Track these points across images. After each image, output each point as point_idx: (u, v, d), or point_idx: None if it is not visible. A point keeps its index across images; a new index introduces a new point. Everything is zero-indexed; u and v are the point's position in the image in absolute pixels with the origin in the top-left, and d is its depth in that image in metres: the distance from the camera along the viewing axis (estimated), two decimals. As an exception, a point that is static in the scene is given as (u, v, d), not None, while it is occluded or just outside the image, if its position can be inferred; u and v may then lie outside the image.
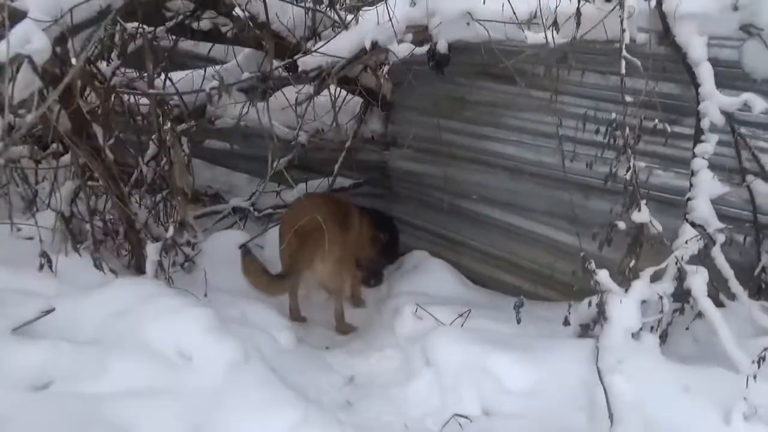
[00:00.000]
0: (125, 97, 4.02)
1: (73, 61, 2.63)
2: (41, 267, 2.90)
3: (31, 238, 3.26)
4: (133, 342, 2.34)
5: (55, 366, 2.13)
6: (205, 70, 3.56)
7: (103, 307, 2.54)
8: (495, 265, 4.38)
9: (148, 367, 2.25)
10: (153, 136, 3.63)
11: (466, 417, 2.23)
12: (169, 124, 2.85)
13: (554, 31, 2.72)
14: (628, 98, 2.84)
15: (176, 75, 4.10)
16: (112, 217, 3.58)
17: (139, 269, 3.47)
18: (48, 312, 2.39)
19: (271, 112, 4.29)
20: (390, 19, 3.10)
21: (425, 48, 3.54)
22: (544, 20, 2.83)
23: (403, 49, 3.40)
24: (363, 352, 3.28)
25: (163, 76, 3.50)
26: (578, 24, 2.78)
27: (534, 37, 2.88)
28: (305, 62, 3.14)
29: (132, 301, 2.56)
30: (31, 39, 2.18)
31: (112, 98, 3.35)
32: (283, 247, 3.58)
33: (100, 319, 2.47)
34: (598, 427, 2.08)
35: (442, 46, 3.52)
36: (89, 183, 3.50)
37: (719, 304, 2.94)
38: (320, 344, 3.47)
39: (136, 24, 3.42)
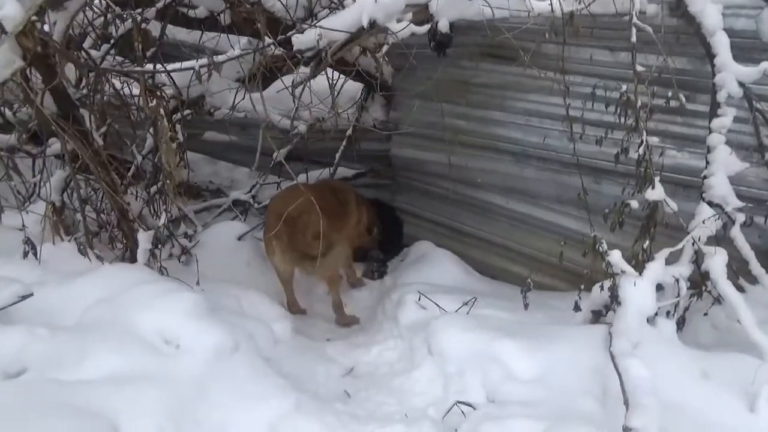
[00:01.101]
0: (121, 89, 3.96)
1: (54, 38, 2.52)
2: (25, 255, 2.80)
3: (22, 229, 3.16)
4: (117, 328, 2.22)
5: (30, 353, 2.02)
6: (197, 60, 3.44)
7: (88, 293, 2.42)
8: (502, 255, 4.23)
9: (131, 353, 2.13)
10: (149, 129, 3.54)
11: (469, 405, 2.09)
12: (157, 106, 2.72)
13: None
14: (640, 68, 2.68)
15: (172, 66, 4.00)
16: (105, 207, 3.48)
17: (134, 261, 3.36)
18: (25, 297, 2.27)
19: (268, 99, 4.22)
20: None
21: (426, 28, 3.40)
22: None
23: (402, 29, 3.26)
24: (365, 344, 3.16)
25: (155, 62, 3.37)
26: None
27: (539, 5, 2.73)
28: (300, 40, 3.01)
29: (118, 287, 2.45)
30: (2, 5, 2.07)
31: (102, 82, 3.23)
32: (269, 236, 3.47)
33: (84, 305, 2.35)
34: (611, 413, 1.93)
35: (443, 26, 3.38)
36: (82, 173, 3.41)
37: (739, 288, 2.78)
38: (321, 336, 3.34)
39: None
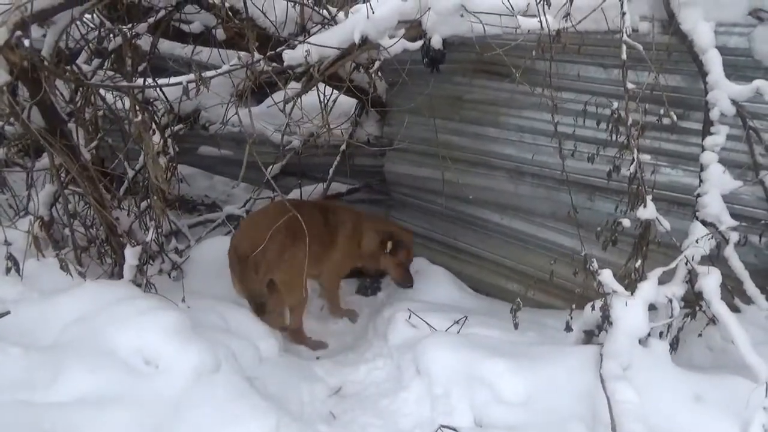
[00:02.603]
0: (113, 103, 3.95)
1: (44, 53, 2.51)
2: (8, 271, 2.76)
3: (8, 244, 3.13)
4: (94, 347, 2.17)
5: (1, 373, 1.97)
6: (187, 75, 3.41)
7: (67, 311, 2.38)
8: (497, 272, 4.19)
9: (106, 373, 2.08)
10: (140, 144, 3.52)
11: (453, 429, 2.03)
12: (142, 121, 2.70)
13: (546, 10, 2.55)
14: (630, 85, 2.66)
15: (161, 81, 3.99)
16: (94, 222, 3.45)
17: (122, 276, 3.33)
18: (2, 315, 2.23)
19: (262, 115, 4.21)
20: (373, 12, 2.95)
21: (419, 44, 3.39)
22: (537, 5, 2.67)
23: (395, 45, 3.25)
24: (353, 363, 3.11)
25: (145, 76, 3.37)
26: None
27: (527, 22, 2.72)
28: (291, 56, 3.00)
29: (98, 304, 2.40)
30: (-16, 20, 2.06)
31: (92, 97, 3.22)
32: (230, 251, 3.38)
33: (62, 323, 2.31)
34: (600, 440, 1.88)
35: (436, 42, 3.38)
36: (71, 188, 3.39)
37: (734, 309, 2.73)
38: (310, 355, 3.29)
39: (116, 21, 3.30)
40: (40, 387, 1.98)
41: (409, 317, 3.10)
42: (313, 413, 2.41)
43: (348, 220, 3.85)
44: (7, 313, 2.26)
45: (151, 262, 3.44)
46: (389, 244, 3.76)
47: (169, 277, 3.63)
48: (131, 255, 2.97)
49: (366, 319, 3.87)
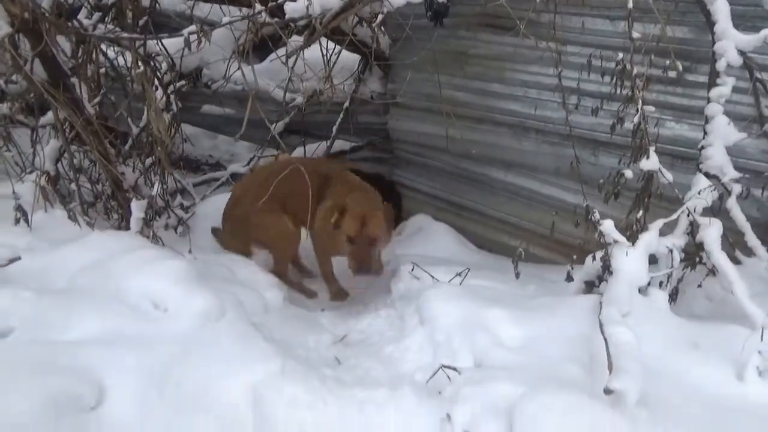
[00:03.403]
0: (115, 58, 3.93)
1: (44, 5, 2.49)
2: (17, 221, 2.81)
3: (17, 198, 3.17)
4: (104, 292, 2.23)
5: (17, 314, 2.03)
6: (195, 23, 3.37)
7: (76, 258, 2.43)
8: (500, 228, 4.22)
9: (116, 317, 2.13)
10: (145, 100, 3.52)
11: (454, 369, 2.09)
12: (144, 73, 2.69)
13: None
14: (636, 34, 2.63)
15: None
16: (100, 177, 3.48)
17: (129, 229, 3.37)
18: (13, 260, 2.29)
19: (264, 71, 4.18)
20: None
21: (422, -4, 3.35)
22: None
23: (398, -2, 3.21)
24: (358, 314, 3.16)
25: (146, 31, 3.34)
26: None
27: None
28: (293, 8, 2.96)
29: (107, 253, 2.45)
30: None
31: (94, 53, 3.21)
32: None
33: (72, 270, 2.36)
34: (596, 380, 1.92)
35: (439, -6, 3.33)
36: (76, 144, 3.41)
37: (735, 261, 2.75)
38: (315, 306, 3.34)
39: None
40: (56, 327, 2.05)
41: (413, 269, 3.14)
42: (318, 359, 2.47)
43: (319, 184, 3.25)
44: (18, 258, 2.31)
45: (157, 217, 3.48)
46: (334, 216, 3.04)
47: (175, 232, 3.67)
48: (137, 208, 3.01)
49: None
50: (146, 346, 2.01)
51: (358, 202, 3.12)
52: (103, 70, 3.84)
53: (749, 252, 2.82)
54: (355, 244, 3.02)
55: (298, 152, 4.47)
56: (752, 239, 2.74)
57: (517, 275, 2.77)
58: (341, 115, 4.38)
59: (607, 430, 1.65)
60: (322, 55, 3.60)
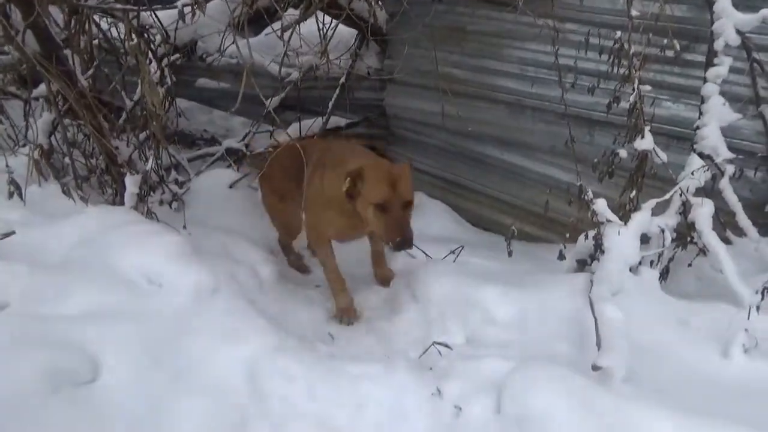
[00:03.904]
0: (108, 30, 3.88)
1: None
2: (10, 195, 2.80)
3: (11, 171, 3.16)
4: (99, 267, 2.24)
5: (11, 288, 2.04)
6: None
7: (71, 233, 2.44)
8: (494, 206, 4.22)
9: (111, 291, 2.15)
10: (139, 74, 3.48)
11: (446, 345, 2.12)
12: (138, 44, 2.66)
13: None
14: (635, 12, 2.61)
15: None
16: (94, 151, 3.46)
17: (124, 204, 3.37)
18: (7, 235, 2.29)
19: (259, 45, 4.13)
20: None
21: (420, -30, 3.30)
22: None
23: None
24: (353, 290, 3.18)
25: (139, 2, 3.29)
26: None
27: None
28: (288, -19, 2.93)
29: (101, 228, 2.46)
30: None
31: (87, 24, 3.17)
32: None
33: (66, 244, 2.37)
34: (585, 356, 1.96)
35: (438, -32, 3.28)
36: (69, 118, 3.38)
37: (726, 241, 2.78)
38: (310, 283, 3.36)
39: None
40: (50, 301, 2.06)
41: (407, 247, 3.16)
42: (312, 335, 2.50)
43: (314, 158, 2.93)
44: (12, 233, 2.31)
45: (151, 192, 3.48)
46: (347, 181, 2.49)
47: (170, 207, 3.66)
48: (132, 183, 3.00)
49: (364, 252, 3.93)
50: (141, 321, 2.03)
51: (375, 162, 2.61)
52: (96, 42, 3.80)
53: (740, 232, 2.84)
54: (389, 211, 2.42)
55: (293, 128, 4.44)
56: (743, 219, 2.77)
57: (510, 253, 2.79)
58: (337, 91, 4.35)
59: (594, 405, 1.69)
60: (318, 30, 3.56)
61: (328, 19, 3.88)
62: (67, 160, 3.25)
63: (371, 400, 2.00)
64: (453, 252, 3.04)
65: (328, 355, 2.22)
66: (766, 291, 2.19)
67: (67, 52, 3.04)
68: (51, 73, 2.70)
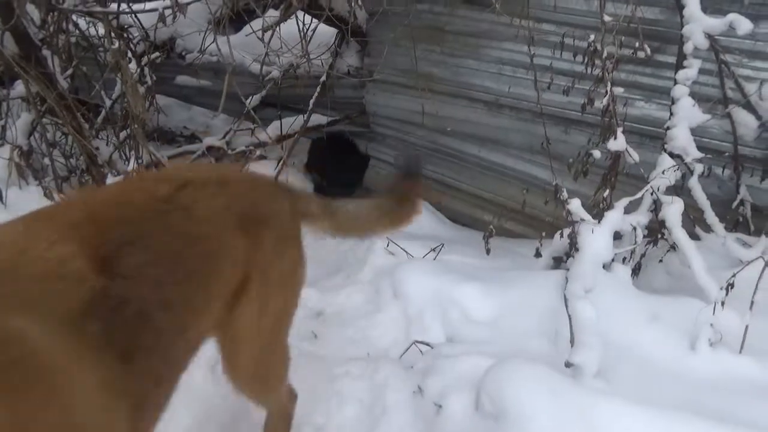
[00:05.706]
0: (87, 29, 3.85)
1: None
2: (-9, 198, 2.80)
3: (-12, 173, 3.14)
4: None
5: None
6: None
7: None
8: (474, 203, 4.30)
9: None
10: (117, 73, 3.47)
11: (427, 344, 2.19)
12: (119, 48, 2.66)
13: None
14: (608, 18, 2.68)
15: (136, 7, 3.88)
16: (74, 152, 3.45)
17: (105, 206, 3.37)
18: (-10, 239, 2.28)
19: (240, 44, 4.14)
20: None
21: (399, -30, 3.33)
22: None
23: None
24: (334, 288, 3.21)
25: (119, 2, 3.27)
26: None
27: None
28: (268, -18, 2.94)
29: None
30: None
31: (64, 23, 3.15)
32: None
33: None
34: (561, 353, 2.04)
35: (416, -31, 3.32)
36: (49, 117, 3.37)
37: (695, 237, 2.88)
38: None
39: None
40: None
41: (388, 245, 3.22)
42: (295, 334, 2.54)
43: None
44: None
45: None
46: None
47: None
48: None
49: (346, 248, 3.97)
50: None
51: None
52: (74, 40, 3.77)
53: (708, 228, 2.95)
54: None
55: (275, 126, 4.46)
56: (711, 216, 2.87)
57: (488, 251, 2.86)
58: (318, 89, 4.37)
59: (567, 401, 1.76)
60: (299, 30, 3.58)
61: (308, 18, 3.90)
62: (46, 160, 3.23)
63: (354, 399, 2.06)
64: (434, 250, 3.10)
65: (313, 355, 2.26)
66: (730, 287, 2.29)
67: (46, 52, 3.02)
68: (30, 75, 2.69)
